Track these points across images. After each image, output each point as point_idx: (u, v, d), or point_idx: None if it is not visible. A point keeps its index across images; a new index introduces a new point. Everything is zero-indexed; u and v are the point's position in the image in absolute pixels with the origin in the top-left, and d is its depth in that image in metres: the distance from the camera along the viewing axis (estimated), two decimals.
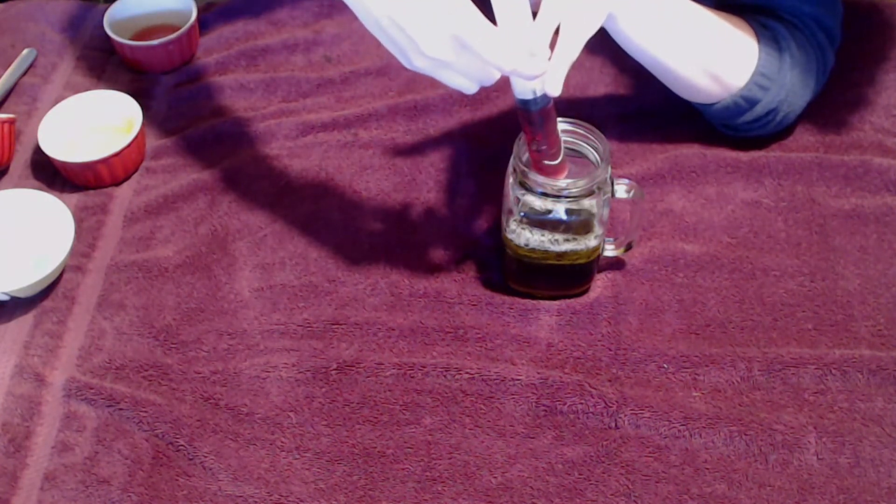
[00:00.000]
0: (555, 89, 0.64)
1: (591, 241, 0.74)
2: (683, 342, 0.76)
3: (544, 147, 0.69)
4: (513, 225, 0.74)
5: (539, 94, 0.65)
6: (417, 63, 0.62)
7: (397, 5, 0.59)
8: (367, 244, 0.85)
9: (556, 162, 0.70)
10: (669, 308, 0.78)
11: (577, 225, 0.73)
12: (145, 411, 0.73)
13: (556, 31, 0.66)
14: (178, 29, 1.00)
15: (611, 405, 0.72)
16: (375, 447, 0.71)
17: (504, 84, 0.74)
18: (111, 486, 0.70)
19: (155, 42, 0.99)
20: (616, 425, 0.71)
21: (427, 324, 0.78)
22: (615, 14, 0.73)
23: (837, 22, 0.85)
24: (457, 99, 0.96)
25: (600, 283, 0.80)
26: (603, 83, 0.97)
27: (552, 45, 0.65)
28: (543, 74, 0.63)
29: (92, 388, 0.75)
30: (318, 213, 0.87)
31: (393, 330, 0.78)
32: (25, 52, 1.03)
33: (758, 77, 0.81)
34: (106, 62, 1.04)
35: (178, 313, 0.81)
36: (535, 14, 0.64)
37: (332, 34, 1.05)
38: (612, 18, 0.73)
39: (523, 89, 0.65)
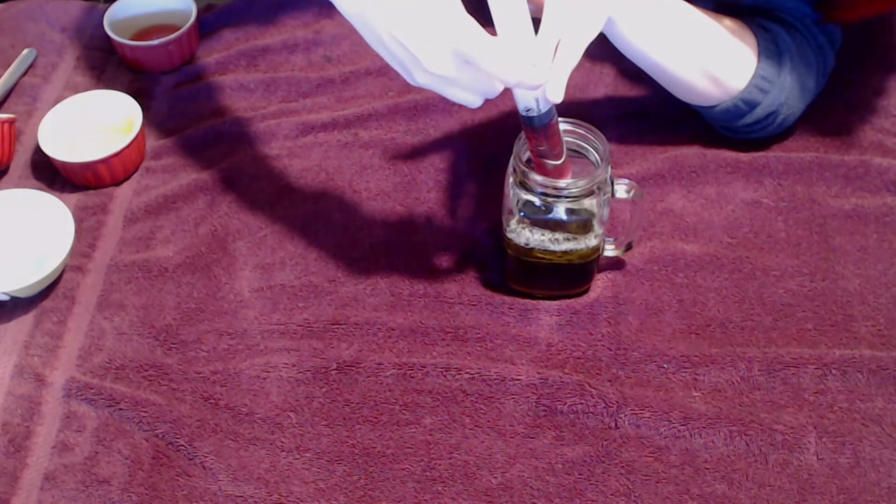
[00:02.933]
0: (556, 96, 0.64)
1: (591, 241, 0.74)
2: (683, 342, 0.76)
3: (548, 156, 0.69)
4: (513, 224, 0.74)
5: (542, 103, 0.65)
6: (420, 79, 0.62)
7: (398, 22, 0.59)
8: (367, 244, 0.85)
9: (560, 162, 0.70)
10: (669, 308, 0.78)
11: (577, 225, 0.73)
12: (145, 411, 0.73)
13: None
14: (178, 29, 1.00)
15: (611, 405, 0.72)
16: (375, 447, 0.71)
17: None
18: (111, 486, 0.70)
19: (155, 42, 0.99)
20: (616, 425, 0.71)
21: (427, 324, 0.78)
22: (614, 19, 0.73)
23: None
24: None
25: (600, 283, 0.80)
26: (603, 83, 0.96)
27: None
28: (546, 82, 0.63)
29: (92, 388, 0.75)
30: (318, 213, 0.87)
31: (393, 330, 0.78)
32: (25, 52, 1.03)
33: (758, 80, 0.81)
34: (106, 62, 1.04)
35: (178, 313, 0.80)
36: (534, 21, 0.64)
37: (332, 34, 1.05)
38: (612, 23, 0.73)
39: (526, 99, 0.65)
